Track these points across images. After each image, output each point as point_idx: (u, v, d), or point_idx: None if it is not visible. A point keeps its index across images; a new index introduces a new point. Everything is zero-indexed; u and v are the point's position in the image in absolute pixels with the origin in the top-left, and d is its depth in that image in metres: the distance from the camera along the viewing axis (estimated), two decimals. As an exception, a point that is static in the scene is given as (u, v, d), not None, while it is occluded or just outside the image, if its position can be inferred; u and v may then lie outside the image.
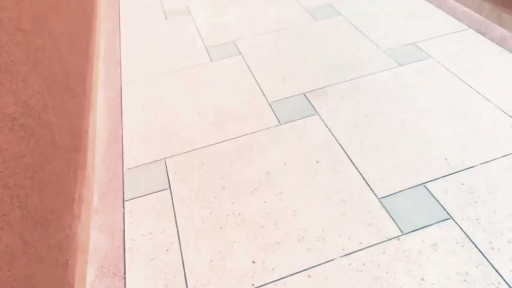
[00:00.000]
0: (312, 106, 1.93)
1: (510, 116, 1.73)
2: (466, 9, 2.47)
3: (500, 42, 2.17)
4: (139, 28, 2.79)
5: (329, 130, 1.79)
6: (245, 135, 1.83)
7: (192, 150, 1.79)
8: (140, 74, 2.32)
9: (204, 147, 1.80)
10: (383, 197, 1.48)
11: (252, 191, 1.57)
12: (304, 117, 1.87)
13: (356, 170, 1.60)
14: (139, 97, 2.14)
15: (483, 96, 1.85)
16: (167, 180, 1.67)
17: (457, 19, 2.41)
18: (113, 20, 2.95)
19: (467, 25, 2.34)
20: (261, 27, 2.61)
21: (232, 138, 1.82)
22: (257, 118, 1.91)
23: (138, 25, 2.82)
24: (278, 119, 1.88)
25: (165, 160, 1.75)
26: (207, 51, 2.45)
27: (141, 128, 1.94)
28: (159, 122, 1.96)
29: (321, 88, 2.03)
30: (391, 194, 1.49)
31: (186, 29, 2.71)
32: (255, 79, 2.17)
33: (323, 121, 1.84)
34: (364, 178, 1.56)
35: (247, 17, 2.74)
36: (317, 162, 1.65)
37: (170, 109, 2.03)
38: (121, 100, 2.14)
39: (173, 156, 1.77)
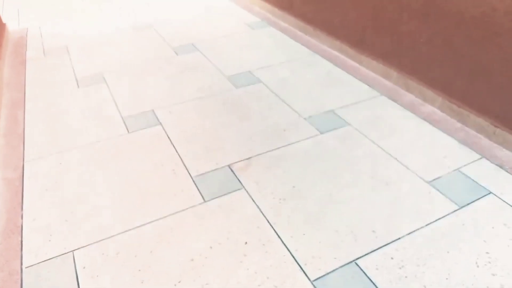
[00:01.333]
0: (238, 179, 1.85)
1: (427, 182, 1.79)
2: (376, 76, 2.63)
3: (410, 107, 2.31)
4: (47, 97, 2.58)
5: (257, 205, 1.70)
6: (167, 216, 1.67)
7: (106, 238, 1.59)
8: (47, 150, 2.10)
9: (119, 233, 1.60)
10: (316, 279, 1.40)
11: (175, 284, 1.40)
12: (230, 192, 1.78)
13: (286, 250, 1.51)
14: (44, 177, 1.91)
15: (401, 163, 1.91)
16: (75, 277, 1.44)
17: (370, 85, 2.55)
18: (17, 89, 2.70)
19: (379, 92, 2.48)
20: (181, 95, 2.54)
21: (152, 221, 1.65)
22: (179, 196, 1.77)
23: (46, 94, 2.61)
24: (202, 196, 1.76)
25: (73, 253, 1.53)
26: (123, 122, 2.30)
27: (45, 215, 1.70)
28: (67, 206, 1.74)
29: (246, 159, 1.97)
30: (324, 275, 1.41)
31: (100, 98, 2.55)
32: (177, 151, 2.05)
33: (250, 196, 1.76)
34: (295, 259, 1.48)
35: (167, 85, 2.66)
36: (245, 243, 1.54)
37: (80, 190, 1.83)
38: (22, 182, 1.89)
39: (83, 247, 1.55)
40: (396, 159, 1.93)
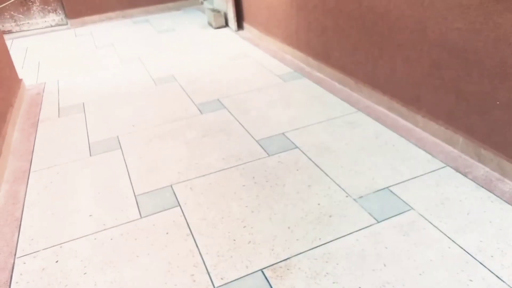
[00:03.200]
0: (274, 292, 1.43)
1: (537, 307, 1.31)
2: (437, 140, 2.20)
3: (486, 184, 1.85)
4: (54, 169, 2.26)
5: None
6: None
7: None
8: (44, 240, 1.75)
9: None
10: None
11: None
12: (265, 314, 1.36)
13: None
14: (35, 283, 1.54)
15: (491, 271, 1.44)
16: None
17: (429, 153, 2.11)
18: (23, 158, 2.41)
19: (442, 161, 2.04)
20: (204, 165, 2.18)
21: None
22: (199, 317, 1.36)
23: (54, 165, 2.30)
24: (228, 320, 1.35)
25: None
26: (136, 202, 1.94)
27: None
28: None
29: (283, 261, 1.55)
30: None
31: (113, 169, 2.22)
32: (197, 245, 1.66)
33: (291, 321, 1.32)
34: None
35: (188, 152, 2.31)
36: None
37: (76, 305, 1.44)
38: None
39: None
40: (482, 264, 1.47)
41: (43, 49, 4.53)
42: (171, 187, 2.04)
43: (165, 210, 1.88)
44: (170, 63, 3.75)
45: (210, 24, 4.78)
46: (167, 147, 2.39)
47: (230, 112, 2.74)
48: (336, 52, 2.93)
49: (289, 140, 2.35)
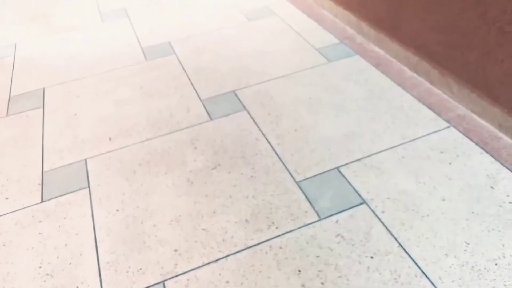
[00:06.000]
0: None
1: None
2: None
3: None
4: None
5: None
6: None
7: None
8: None
9: None
10: None
11: None
12: None
13: None
14: None
15: None
16: None
17: None
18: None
19: None
20: (217, 235, 1.36)
21: None
22: None
23: (-18, 223, 1.49)
24: None
25: None
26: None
27: None
28: None
29: None
30: None
31: (70, 237, 1.41)
32: None
33: None
34: None
35: (191, 202, 1.48)
36: None
37: None
38: None
39: None
40: None
41: (3, -7, 3.48)
42: (163, 285, 1.24)
43: None
44: (166, 21, 2.75)
45: (219, -41, 3.63)
46: (158, 187, 1.54)
47: (252, 118, 1.85)
48: (413, 22, 1.94)
49: (349, 183, 1.49)
